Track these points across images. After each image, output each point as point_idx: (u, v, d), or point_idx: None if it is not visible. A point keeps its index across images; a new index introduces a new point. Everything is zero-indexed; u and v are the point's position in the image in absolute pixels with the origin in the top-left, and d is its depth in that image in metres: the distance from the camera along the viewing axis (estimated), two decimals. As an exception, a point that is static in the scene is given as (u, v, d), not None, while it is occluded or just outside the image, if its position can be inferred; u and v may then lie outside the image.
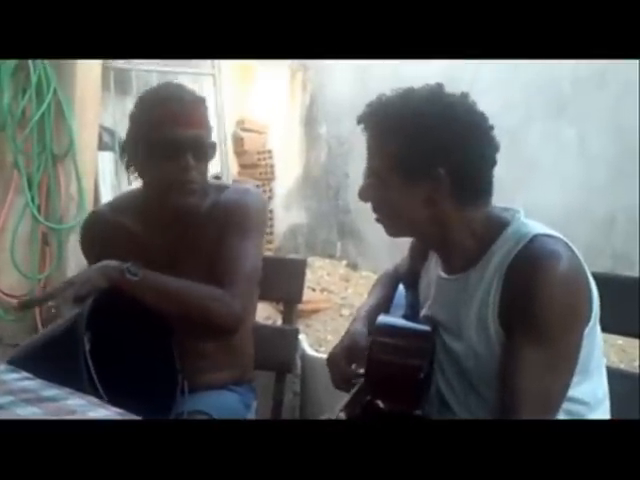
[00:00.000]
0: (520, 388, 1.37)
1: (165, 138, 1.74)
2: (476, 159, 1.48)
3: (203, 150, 1.79)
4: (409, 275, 1.75)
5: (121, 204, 1.96)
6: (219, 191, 1.88)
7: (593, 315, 1.44)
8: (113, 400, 1.39)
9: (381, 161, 1.50)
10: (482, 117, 1.50)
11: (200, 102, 1.82)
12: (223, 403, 1.86)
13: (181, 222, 1.84)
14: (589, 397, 1.49)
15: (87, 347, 1.58)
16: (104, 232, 1.91)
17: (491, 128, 1.50)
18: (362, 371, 1.61)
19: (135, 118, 1.83)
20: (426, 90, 1.50)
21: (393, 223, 1.55)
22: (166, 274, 1.75)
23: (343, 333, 1.72)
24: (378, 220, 1.56)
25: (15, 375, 1.52)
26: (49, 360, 1.60)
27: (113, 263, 1.72)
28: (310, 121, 5.29)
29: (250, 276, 1.82)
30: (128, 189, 1.96)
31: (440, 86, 1.51)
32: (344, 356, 1.64)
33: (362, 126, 1.54)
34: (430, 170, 1.46)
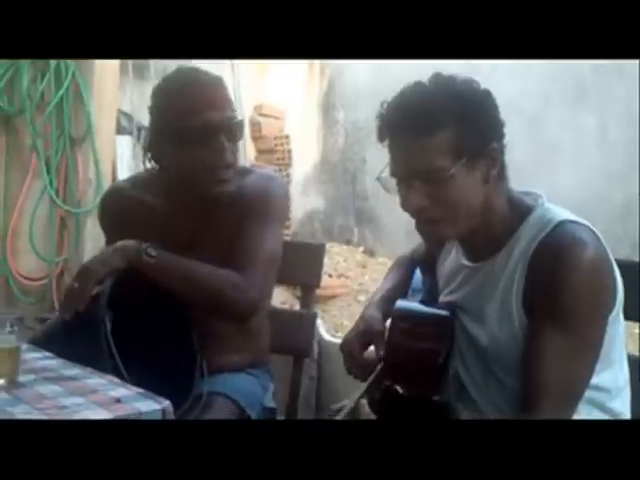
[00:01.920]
0: (544, 375, 1.37)
1: (196, 123, 1.72)
2: (503, 136, 1.48)
3: (234, 130, 1.79)
4: (426, 260, 1.75)
5: (142, 181, 1.95)
6: (243, 175, 1.87)
7: (617, 302, 1.44)
8: (133, 380, 1.41)
9: (433, 153, 1.40)
10: None
11: (219, 82, 1.82)
12: (241, 385, 1.87)
13: (204, 204, 1.84)
14: (610, 385, 1.49)
15: (108, 327, 1.60)
16: (124, 206, 1.91)
17: None
18: (376, 356, 1.61)
19: (156, 109, 1.81)
20: (447, 76, 1.46)
21: (451, 216, 1.44)
22: (184, 254, 1.75)
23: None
24: (430, 223, 1.47)
25: (37, 354, 1.54)
26: (70, 340, 1.62)
27: (131, 243, 1.72)
28: (328, 106, 5.26)
29: (269, 263, 1.82)
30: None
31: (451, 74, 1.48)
32: (358, 341, 1.64)
33: (392, 135, 1.46)
34: (488, 146, 1.44)
